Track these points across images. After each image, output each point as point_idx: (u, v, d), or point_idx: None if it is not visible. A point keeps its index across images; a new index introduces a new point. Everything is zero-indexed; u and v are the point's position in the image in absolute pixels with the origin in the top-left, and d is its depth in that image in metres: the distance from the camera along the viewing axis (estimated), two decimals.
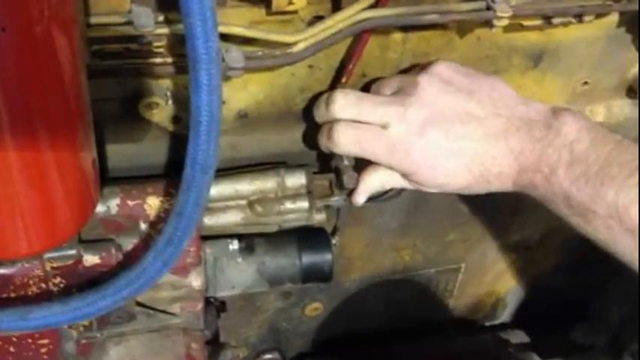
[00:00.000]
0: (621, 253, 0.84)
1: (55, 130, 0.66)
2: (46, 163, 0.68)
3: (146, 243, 0.88)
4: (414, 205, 1.19)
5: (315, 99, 0.98)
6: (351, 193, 0.98)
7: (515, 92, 0.93)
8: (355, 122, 0.91)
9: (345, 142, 0.92)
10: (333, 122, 0.92)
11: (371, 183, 0.96)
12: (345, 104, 0.91)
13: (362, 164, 0.96)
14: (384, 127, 0.90)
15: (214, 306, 1.05)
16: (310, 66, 0.96)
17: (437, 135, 0.89)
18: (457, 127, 0.89)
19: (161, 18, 0.81)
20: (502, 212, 1.29)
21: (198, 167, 0.73)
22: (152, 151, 0.96)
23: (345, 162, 0.97)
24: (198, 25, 0.65)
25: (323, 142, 0.95)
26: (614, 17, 1.05)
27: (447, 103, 0.90)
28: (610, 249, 0.85)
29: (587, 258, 1.44)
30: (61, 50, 0.63)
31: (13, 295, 0.83)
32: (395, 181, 0.95)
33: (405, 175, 0.93)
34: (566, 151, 0.85)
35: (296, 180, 0.98)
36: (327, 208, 1.01)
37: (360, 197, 0.97)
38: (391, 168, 0.93)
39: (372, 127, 0.91)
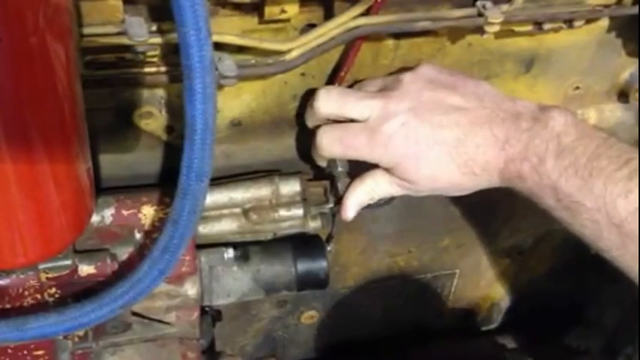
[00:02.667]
0: (606, 248, 0.84)
1: (51, 140, 0.66)
2: (41, 174, 0.68)
3: (141, 252, 0.88)
4: (409, 211, 1.19)
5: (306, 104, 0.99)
6: (340, 200, 0.98)
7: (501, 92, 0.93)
8: (338, 122, 0.92)
9: (327, 141, 0.92)
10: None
11: (358, 196, 0.95)
12: (327, 99, 0.91)
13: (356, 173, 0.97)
14: (365, 121, 0.90)
15: (210, 315, 1.05)
16: (303, 74, 0.96)
17: (419, 124, 0.88)
18: (440, 117, 0.89)
19: (154, 28, 0.81)
20: (495, 218, 1.29)
21: (194, 175, 0.74)
22: (146, 160, 0.96)
23: (340, 168, 0.97)
24: (192, 35, 0.65)
25: (312, 151, 0.96)
26: (604, 22, 1.06)
27: (430, 96, 0.90)
28: (595, 244, 0.85)
29: (580, 262, 1.46)
30: (56, 60, 0.63)
31: (8, 306, 0.83)
32: (382, 189, 0.94)
33: (389, 171, 0.92)
34: (553, 143, 0.84)
35: (290, 187, 0.99)
36: (321, 215, 1.01)
37: (350, 212, 0.97)
38: (375, 163, 0.92)
39: (353, 123, 0.91)
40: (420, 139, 0.88)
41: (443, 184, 0.92)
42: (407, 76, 0.91)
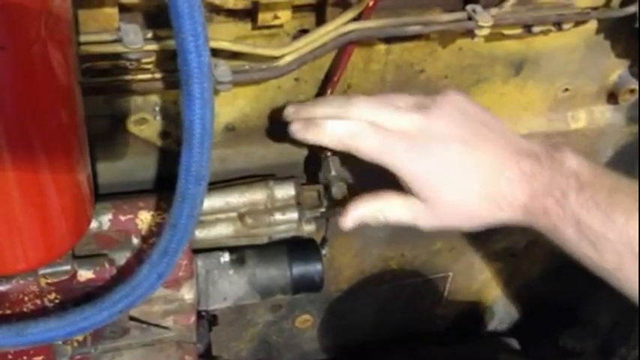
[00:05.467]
0: (625, 279, 0.85)
1: (52, 146, 0.68)
2: (43, 180, 0.69)
3: (139, 257, 0.90)
4: None
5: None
6: (338, 203, 0.99)
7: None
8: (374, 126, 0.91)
9: (369, 145, 0.90)
10: (351, 126, 0.91)
11: (365, 211, 0.94)
12: (367, 106, 0.91)
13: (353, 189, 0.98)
14: (403, 132, 0.90)
15: (206, 319, 1.07)
16: (296, 79, 0.98)
17: (457, 146, 0.89)
18: (476, 143, 0.90)
19: (150, 35, 0.83)
20: None
21: (192, 179, 0.75)
22: (141, 166, 0.98)
23: (333, 172, 0.98)
24: (191, 41, 0.67)
25: (333, 141, 0.93)
26: (592, 25, 1.08)
27: (463, 122, 0.91)
28: (614, 274, 0.86)
29: (573, 263, 1.48)
30: (57, 68, 0.65)
31: (8, 312, 0.84)
32: (392, 213, 0.93)
33: (411, 184, 0.90)
34: (573, 178, 0.86)
35: (285, 191, 1.00)
36: (316, 219, 1.02)
37: (348, 222, 0.95)
38: (402, 175, 0.91)
39: (393, 131, 0.90)
40: (457, 163, 0.90)
41: (461, 215, 0.92)
42: (441, 98, 0.92)
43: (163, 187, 0.98)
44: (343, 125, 0.91)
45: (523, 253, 1.41)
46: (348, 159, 0.97)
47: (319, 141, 0.93)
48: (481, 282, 1.44)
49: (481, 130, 0.92)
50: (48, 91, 0.65)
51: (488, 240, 1.35)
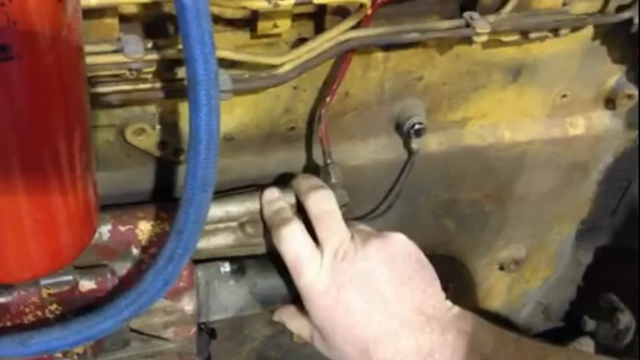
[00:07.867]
0: None
1: (62, 154, 0.71)
2: (52, 188, 0.72)
3: (139, 267, 0.92)
4: (402, 223, 1.23)
5: (300, 120, 1.05)
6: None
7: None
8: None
9: (287, 243, 0.96)
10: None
11: (282, 319, 1.04)
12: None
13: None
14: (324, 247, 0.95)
15: (205, 332, 1.09)
16: (294, 87, 1.01)
17: (356, 298, 0.94)
18: (375, 302, 0.94)
19: (149, 45, 0.86)
20: (488, 228, 1.33)
21: (198, 185, 0.78)
22: (140, 177, 1.01)
23: (333, 180, 1.02)
24: (198, 49, 0.71)
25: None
26: (588, 31, 1.12)
27: (382, 276, 0.95)
28: None
29: (575, 272, 1.51)
30: (69, 77, 0.68)
31: (9, 323, 0.86)
32: (302, 332, 1.02)
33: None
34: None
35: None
36: None
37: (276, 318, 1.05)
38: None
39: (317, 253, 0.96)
40: (355, 309, 0.94)
41: None
42: (375, 244, 0.96)
43: (162, 197, 1.02)
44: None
45: (524, 261, 1.43)
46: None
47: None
48: (483, 290, 1.46)
49: (396, 291, 0.94)
50: (60, 100, 0.68)
51: (488, 249, 1.37)
